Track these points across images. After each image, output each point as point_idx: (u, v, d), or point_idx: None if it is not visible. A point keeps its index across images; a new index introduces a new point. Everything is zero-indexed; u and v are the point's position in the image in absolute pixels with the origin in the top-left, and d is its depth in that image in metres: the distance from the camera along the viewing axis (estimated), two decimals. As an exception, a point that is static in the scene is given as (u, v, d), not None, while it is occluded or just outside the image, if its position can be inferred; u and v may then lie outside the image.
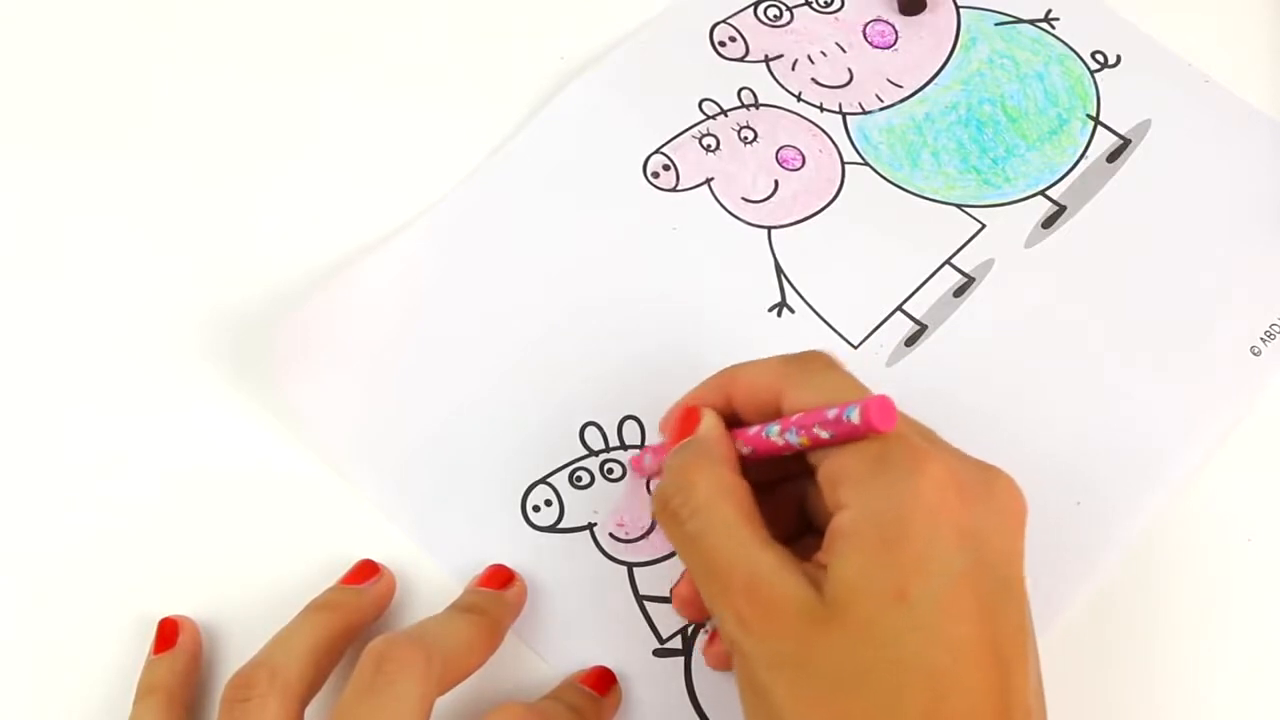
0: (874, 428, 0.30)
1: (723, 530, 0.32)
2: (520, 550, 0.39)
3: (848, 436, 0.31)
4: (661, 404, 0.41)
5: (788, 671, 0.30)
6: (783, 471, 0.35)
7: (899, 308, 0.43)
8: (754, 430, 0.34)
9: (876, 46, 0.48)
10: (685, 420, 0.35)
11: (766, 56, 0.48)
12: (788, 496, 0.36)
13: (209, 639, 0.39)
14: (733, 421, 0.35)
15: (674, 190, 0.45)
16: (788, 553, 0.31)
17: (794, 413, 0.32)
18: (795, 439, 0.32)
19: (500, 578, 0.38)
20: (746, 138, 0.46)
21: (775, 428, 0.33)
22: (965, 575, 0.29)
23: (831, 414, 0.31)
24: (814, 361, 0.34)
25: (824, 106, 0.47)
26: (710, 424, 0.34)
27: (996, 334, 0.43)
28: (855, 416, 0.30)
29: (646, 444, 0.41)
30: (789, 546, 0.32)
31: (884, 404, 0.30)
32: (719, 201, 0.45)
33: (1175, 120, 0.46)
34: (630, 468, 0.40)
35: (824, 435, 0.31)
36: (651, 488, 0.40)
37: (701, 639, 0.38)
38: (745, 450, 0.34)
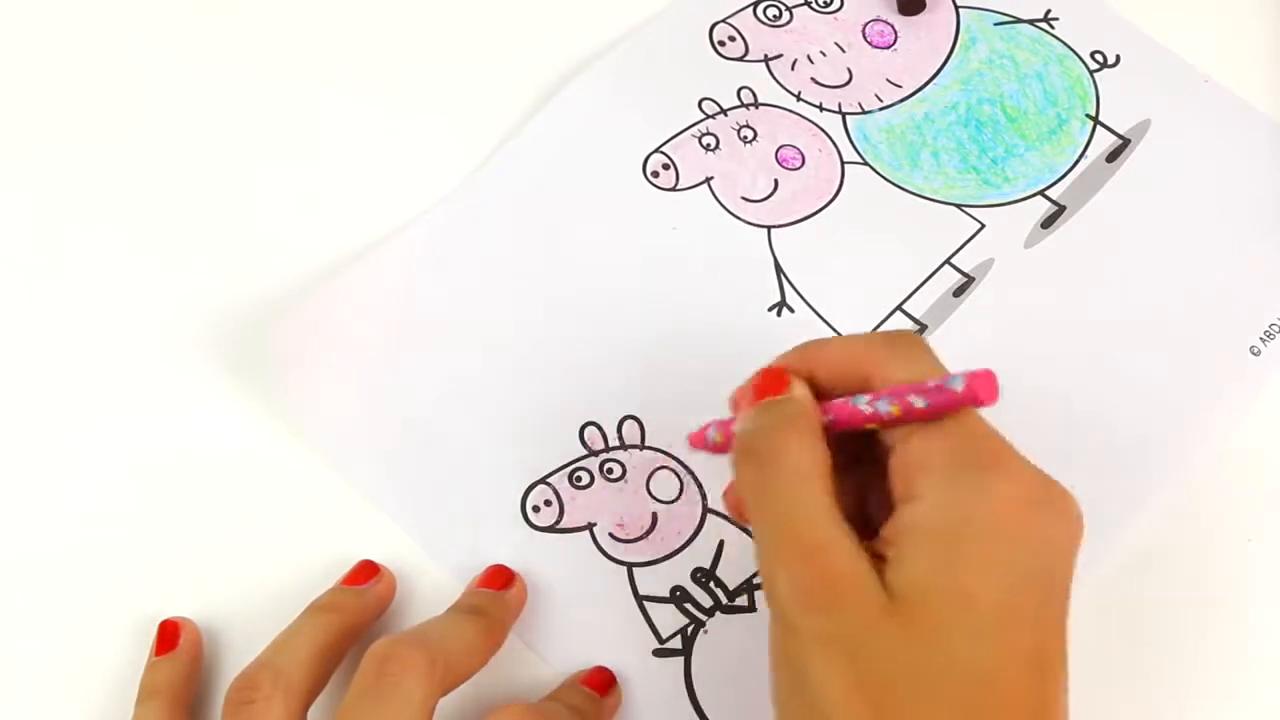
0: (978, 399, 0.29)
1: (804, 492, 0.30)
2: (520, 550, 0.39)
3: (945, 408, 0.30)
4: (661, 404, 0.41)
5: (837, 654, 0.28)
6: (843, 458, 0.33)
7: (899, 307, 0.43)
8: (839, 400, 0.32)
9: (876, 46, 0.48)
10: (772, 380, 0.32)
11: (766, 56, 0.48)
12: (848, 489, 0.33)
13: (210, 640, 0.39)
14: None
15: (674, 190, 0.45)
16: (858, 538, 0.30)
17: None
18: (887, 408, 0.30)
19: (501, 578, 0.38)
20: (746, 137, 0.46)
21: (865, 398, 0.31)
22: (1026, 582, 0.29)
23: (933, 383, 0.30)
24: (906, 340, 0.33)
25: (824, 106, 0.47)
26: (803, 390, 0.32)
27: (996, 334, 0.43)
28: (959, 385, 0.29)
29: (646, 442, 0.40)
30: None
31: (989, 377, 0.29)
32: (719, 201, 0.45)
33: (1175, 120, 0.46)
34: (689, 444, 0.36)
35: (919, 404, 0.30)
36: (653, 488, 0.40)
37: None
38: (825, 419, 0.32)
